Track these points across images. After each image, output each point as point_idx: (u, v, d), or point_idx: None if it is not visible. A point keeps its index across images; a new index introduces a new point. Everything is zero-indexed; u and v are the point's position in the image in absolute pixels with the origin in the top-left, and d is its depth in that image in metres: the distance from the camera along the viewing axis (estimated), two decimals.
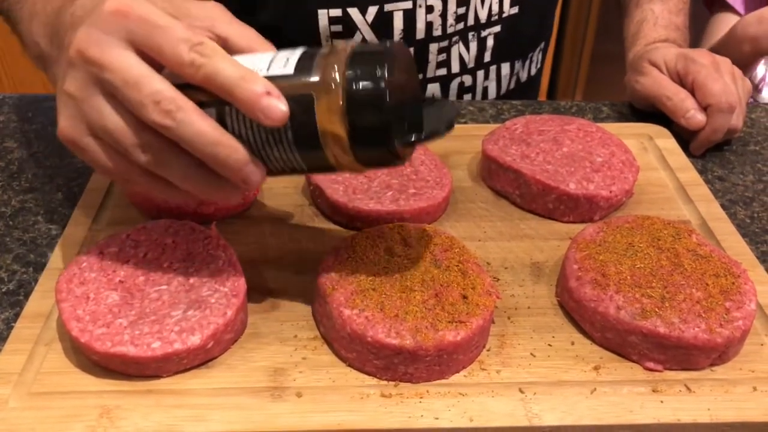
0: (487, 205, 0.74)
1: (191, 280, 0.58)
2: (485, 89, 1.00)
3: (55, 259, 0.65)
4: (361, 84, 0.45)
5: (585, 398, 0.54)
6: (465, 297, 0.56)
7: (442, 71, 0.96)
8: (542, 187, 0.70)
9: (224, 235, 0.65)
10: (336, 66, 0.46)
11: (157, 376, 0.54)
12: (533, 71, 1.06)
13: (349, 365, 0.56)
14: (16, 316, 0.60)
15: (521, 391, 0.54)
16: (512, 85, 1.03)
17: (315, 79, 0.46)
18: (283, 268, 0.65)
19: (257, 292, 0.62)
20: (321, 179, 0.70)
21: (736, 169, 0.83)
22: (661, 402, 0.53)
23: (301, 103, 0.46)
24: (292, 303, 0.62)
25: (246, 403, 0.53)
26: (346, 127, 0.46)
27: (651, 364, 0.56)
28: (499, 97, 1.02)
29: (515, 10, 0.97)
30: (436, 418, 0.52)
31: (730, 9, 1.16)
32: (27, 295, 0.62)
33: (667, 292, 0.57)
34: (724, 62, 0.86)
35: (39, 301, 0.61)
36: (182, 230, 0.63)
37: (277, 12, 0.89)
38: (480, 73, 0.98)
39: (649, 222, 0.64)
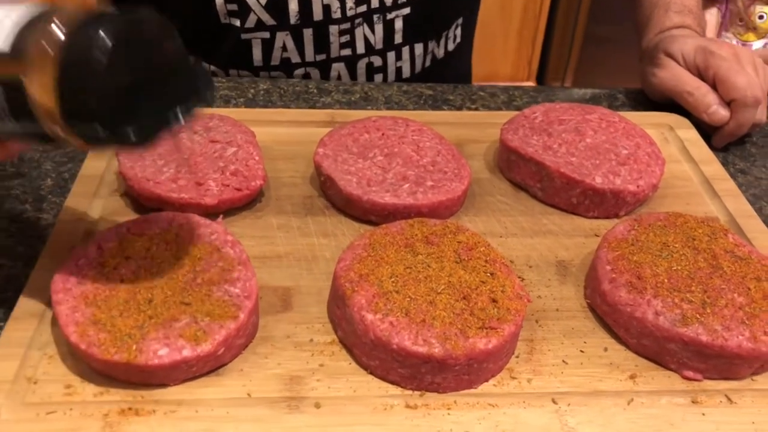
0: (506, 198, 0.70)
1: (198, 280, 0.54)
2: (398, 69, 0.96)
3: (47, 252, 0.60)
4: (72, 61, 0.41)
5: (622, 410, 0.51)
6: (495, 301, 0.53)
7: (347, 51, 0.92)
8: (567, 180, 0.66)
9: (230, 229, 0.61)
10: (47, 39, 0.41)
11: (164, 385, 0.50)
12: (450, 47, 1.02)
13: (371, 373, 0.52)
14: (5, 316, 0.55)
15: (554, 402, 0.51)
16: (428, 63, 0.99)
17: (25, 54, 0.42)
18: (294, 265, 0.61)
19: (268, 291, 0.58)
20: (332, 170, 0.66)
21: (758, 161, 0.81)
22: (703, 415, 0.50)
23: (12, 80, 0.42)
24: (305, 303, 0.58)
25: (261, 414, 0.49)
26: (57, 105, 0.41)
27: (690, 373, 0.53)
28: (414, 76, 0.98)
29: None
30: None
31: None
32: (17, 292, 0.57)
33: (708, 296, 0.54)
34: (745, 52, 0.83)
35: (31, 300, 0.56)
36: (187, 224, 0.59)
37: None
38: (391, 54, 0.94)
39: (682, 220, 0.61)
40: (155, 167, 0.65)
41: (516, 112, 0.77)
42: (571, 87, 0.94)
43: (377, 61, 0.94)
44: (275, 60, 0.91)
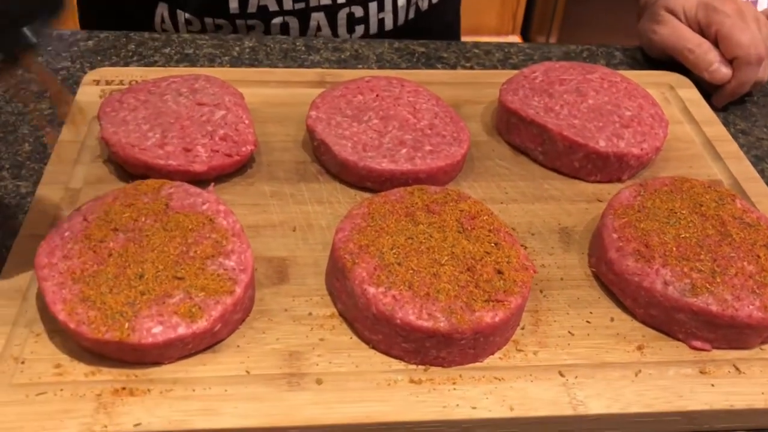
0: (506, 162, 0.68)
1: (191, 253, 0.51)
2: (381, 21, 0.92)
3: (29, 223, 0.57)
4: None
5: (630, 382, 0.49)
6: (500, 272, 0.51)
7: (327, 0, 0.88)
8: (569, 144, 0.64)
9: (221, 196, 0.58)
10: None
11: (158, 363, 0.48)
12: None
13: (373, 347, 0.51)
14: None
15: (562, 375, 0.50)
16: (411, 15, 0.95)
17: None
18: (289, 234, 0.59)
19: (263, 262, 0.56)
20: (326, 135, 0.63)
21: (759, 122, 0.79)
22: (712, 386, 0.50)
23: None
24: (302, 275, 0.55)
25: (261, 392, 0.47)
26: None
27: (698, 344, 0.52)
28: (397, 28, 0.94)
29: None
30: (474, 408, 0.47)
31: None
32: None
33: (717, 265, 0.52)
34: (749, 8, 0.80)
35: (14, 274, 0.53)
36: (176, 193, 0.56)
37: None
38: (372, 5, 0.90)
39: (689, 185, 0.59)
40: (140, 132, 0.62)
41: (512, 71, 0.74)
42: (558, 42, 0.91)
43: (358, 11, 0.90)
44: (252, 7, 0.87)
